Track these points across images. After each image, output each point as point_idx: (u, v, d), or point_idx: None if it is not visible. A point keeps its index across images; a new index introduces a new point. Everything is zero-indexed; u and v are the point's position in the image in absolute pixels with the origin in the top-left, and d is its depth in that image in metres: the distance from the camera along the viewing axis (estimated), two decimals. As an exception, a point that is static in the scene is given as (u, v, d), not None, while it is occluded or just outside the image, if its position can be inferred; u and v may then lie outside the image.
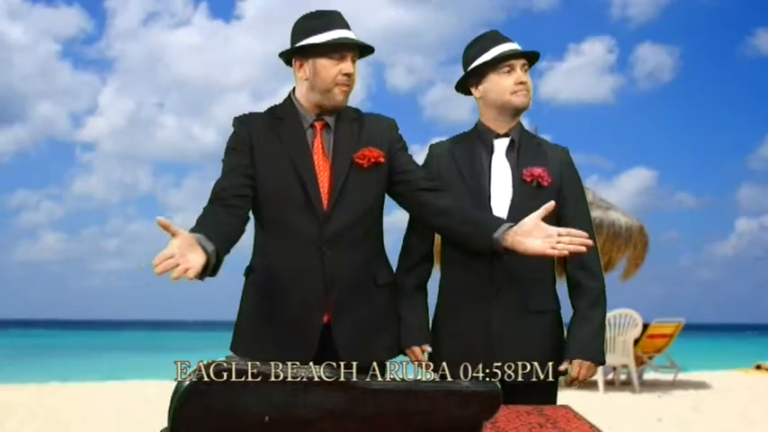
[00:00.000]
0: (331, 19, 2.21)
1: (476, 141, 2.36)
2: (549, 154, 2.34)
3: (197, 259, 1.78)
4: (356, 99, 2.34)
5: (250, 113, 2.28)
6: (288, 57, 2.26)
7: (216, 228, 1.97)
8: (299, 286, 2.18)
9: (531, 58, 2.34)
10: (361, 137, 2.23)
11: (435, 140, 2.45)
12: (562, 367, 2.25)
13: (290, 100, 2.28)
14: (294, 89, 2.29)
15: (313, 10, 2.26)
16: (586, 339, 2.25)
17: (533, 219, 2.08)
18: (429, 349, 2.32)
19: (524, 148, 2.33)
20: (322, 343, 2.18)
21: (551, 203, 2.10)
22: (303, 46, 2.19)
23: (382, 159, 2.22)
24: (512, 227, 2.09)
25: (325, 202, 2.17)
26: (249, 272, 2.30)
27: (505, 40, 2.34)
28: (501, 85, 2.31)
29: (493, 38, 2.36)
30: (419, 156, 2.39)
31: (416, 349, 2.32)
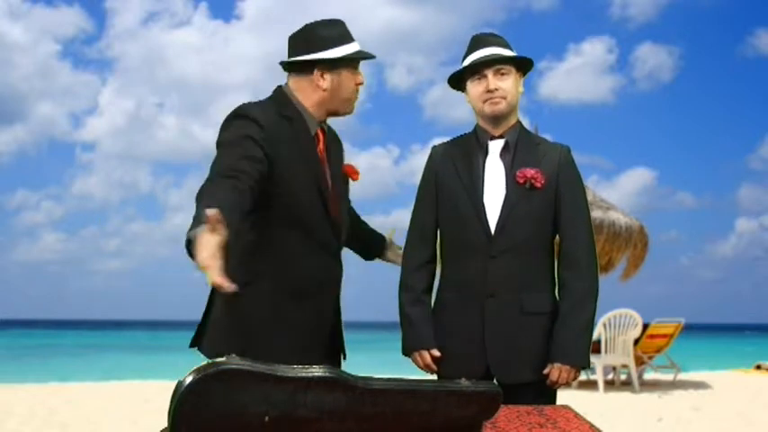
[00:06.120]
0: (346, 30, 2.27)
1: (473, 143, 2.37)
2: (548, 154, 2.33)
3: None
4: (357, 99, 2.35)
5: (256, 103, 2.19)
6: (306, 64, 2.20)
7: (230, 202, 1.82)
8: (320, 292, 2.22)
9: (505, 62, 2.30)
10: (336, 148, 2.37)
11: (435, 140, 2.47)
12: (545, 371, 2.24)
13: (289, 101, 2.22)
14: (291, 90, 2.24)
15: (322, 18, 2.26)
16: (566, 343, 2.23)
17: None
18: (438, 354, 2.30)
19: (521, 150, 2.33)
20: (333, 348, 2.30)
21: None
22: (334, 58, 2.19)
23: (356, 176, 2.38)
24: None
25: (332, 208, 2.23)
26: (254, 276, 2.13)
27: (483, 45, 2.33)
28: (474, 93, 2.34)
29: (471, 44, 2.37)
30: (420, 156, 2.42)
31: (425, 354, 2.31)
